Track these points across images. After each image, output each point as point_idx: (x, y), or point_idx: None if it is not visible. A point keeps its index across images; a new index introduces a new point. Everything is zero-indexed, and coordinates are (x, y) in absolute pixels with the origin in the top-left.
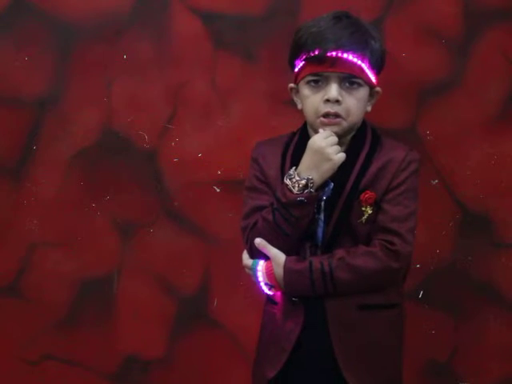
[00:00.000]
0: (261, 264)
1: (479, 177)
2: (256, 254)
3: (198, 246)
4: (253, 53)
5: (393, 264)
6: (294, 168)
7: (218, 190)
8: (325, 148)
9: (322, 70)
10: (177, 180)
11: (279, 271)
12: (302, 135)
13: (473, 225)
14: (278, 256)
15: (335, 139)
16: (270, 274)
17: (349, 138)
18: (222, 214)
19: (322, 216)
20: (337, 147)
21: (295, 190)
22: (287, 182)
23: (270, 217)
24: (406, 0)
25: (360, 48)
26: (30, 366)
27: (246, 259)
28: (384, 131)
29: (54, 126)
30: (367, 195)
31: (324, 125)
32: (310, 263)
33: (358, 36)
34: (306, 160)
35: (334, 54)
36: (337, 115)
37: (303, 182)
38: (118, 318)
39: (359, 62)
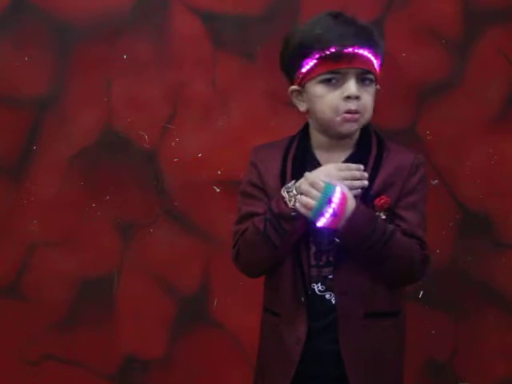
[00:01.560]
0: (337, 190)
1: (479, 177)
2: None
3: (198, 246)
4: (253, 53)
5: (425, 267)
6: (293, 181)
7: (217, 190)
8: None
9: (340, 67)
10: (177, 180)
11: (351, 204)
12: (303, 138)
13: (473, 225)
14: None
15: (348, 174)
16: (343, 202)
17: (354, 140)
18: (222, 214)
19: None
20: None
21: (290, 204)
22: (284, 194)
23: (261, 226)
24: (406, 0)
25: (372, 44)
26: (30, 366)
27: (319, 177)
28: (384, 132)
29: (54, 126)
30: (383, 200)
31: (346, 121)
32: (378, 216)
33: (367, 32)
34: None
35: (351, 49)
36: (357, 112)
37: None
38: (118, 318)
39: (372, 58)
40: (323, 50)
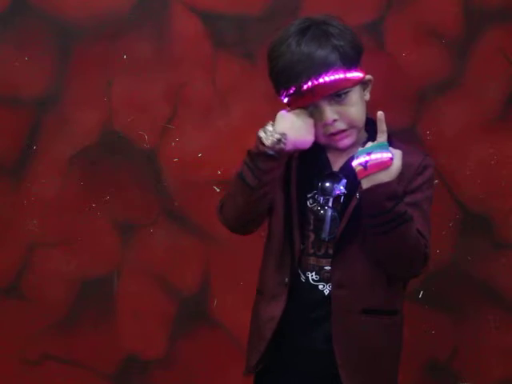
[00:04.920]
0: (384, 154)
1: (479, 177)
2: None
3: (197, 245)
4: (253, 53)
5: (423, 265)
6: (271, 123)
7: (217, 190)
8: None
9: (306, 103)
10: (177, 180)
11: (385, 175)
12: None
13: (473, 225)
14: (398, 166)
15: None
16: (377, 166)
17: (363, 138)
18: None
19: (329, 212)
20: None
21: (268, 143)
22: (261, 134)
23: (239, 169)
24: (406, 0)
25: (330, 63)
26: (30, 366)
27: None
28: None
29: (54, 126)
30: None
31: (337, 140)
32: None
33: (323, 50)
34: (287, 121)
35: (309, 84)
36: (343, 130)
37: (277, 136)
38: (118, 318)
39: (336, 77)
40: (286, 89)
